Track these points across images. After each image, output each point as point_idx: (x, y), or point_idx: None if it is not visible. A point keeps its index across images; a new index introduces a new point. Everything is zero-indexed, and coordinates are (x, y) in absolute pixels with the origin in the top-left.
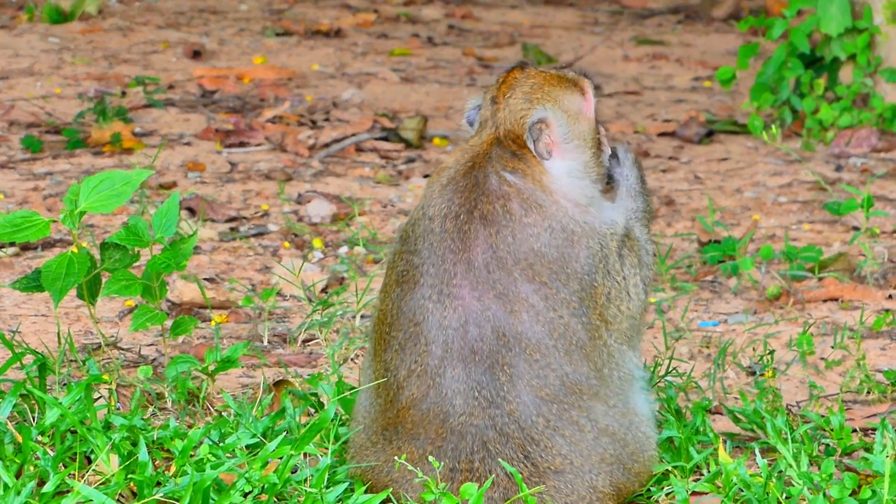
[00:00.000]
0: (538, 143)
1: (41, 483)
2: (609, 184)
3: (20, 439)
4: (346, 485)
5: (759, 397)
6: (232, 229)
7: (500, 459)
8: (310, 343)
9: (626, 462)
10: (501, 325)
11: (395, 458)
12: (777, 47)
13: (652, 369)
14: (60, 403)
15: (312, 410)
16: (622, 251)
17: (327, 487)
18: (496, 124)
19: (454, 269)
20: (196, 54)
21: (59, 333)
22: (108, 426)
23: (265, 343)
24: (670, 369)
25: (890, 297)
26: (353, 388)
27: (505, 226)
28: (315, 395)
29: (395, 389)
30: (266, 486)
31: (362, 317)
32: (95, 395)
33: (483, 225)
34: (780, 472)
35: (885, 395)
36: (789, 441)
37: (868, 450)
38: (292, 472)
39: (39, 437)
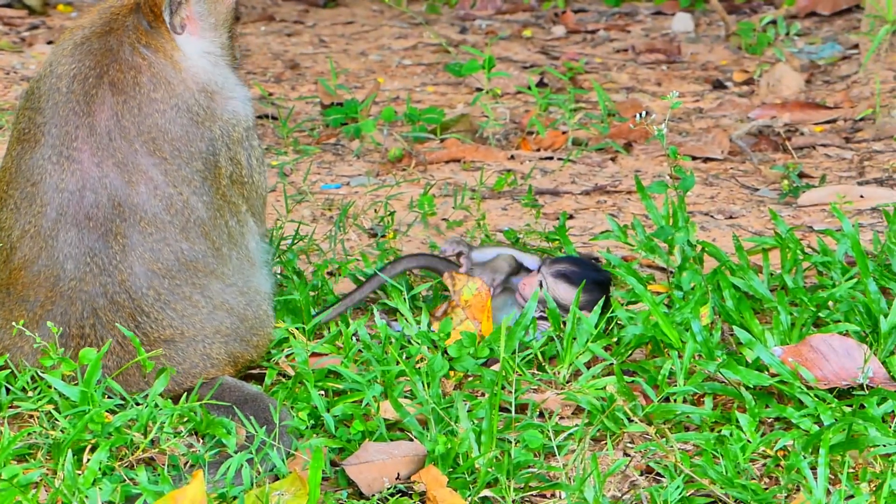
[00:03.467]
0: (174, 17)
1: None
2: None
3: None
4: None
5: (381, 259)
6: None
7: (117, 323)
8: None
9: (245, 335)
10: (118, 195)
11: (14, 323)
12: None
13: (273, 231)
14: None
15: None
16: (249, 140)
17: None
18: None
19: (76, 132)
20: None
21: None
22: None
23: None
24: (295, 233)
25: (511, 157)
26: None
27: (133, 97)
28: None
29: (8, 250)
30: None
31: None
32: None
33: (112, 92)
34: (401, 331)
35: None
36: (407, 301)
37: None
38: None
39: None
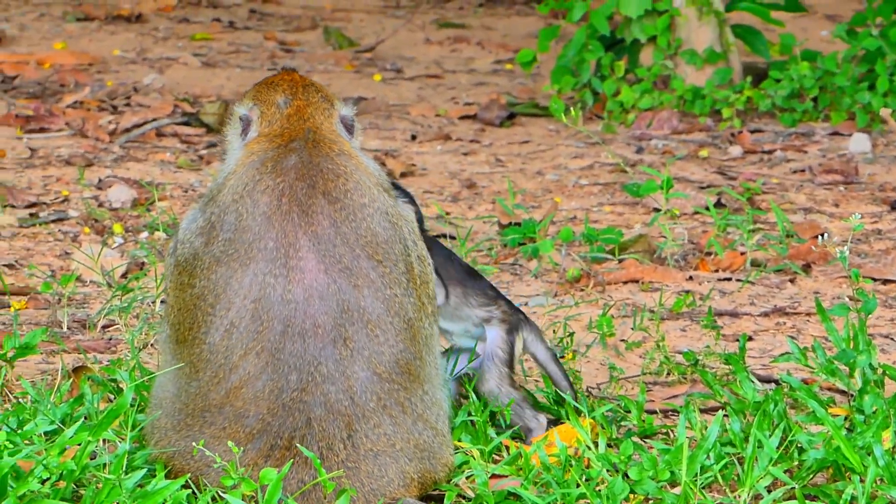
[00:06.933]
0: (355, 132)
1: None
2: None
3: None
4: (144, 471)
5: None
6: (32, 215)
7: (297, 444)
8: (109, 328)
9: (437, 451)
10: (347, 299)
11: (194, 443)
12: (577, 30)
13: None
14: None
15: (112, 396)
16: (421, 238)
17: (126, 473)
18: (305, 118)
19: (298, 242)
20: None
21: None
22: None
23: (64, 329)
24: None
25: (690, 278)
26: (152, 373)
27: (346, 204)
28: (114, 381)
29: (226, 371)
30: (64, 473)
31: (162, 302)
32: None
33: (327, 201)
34: (579, 453)
35: (685, 376)
36: (587, 423)
37: (667, 432)
38: (91, 459)
39: None
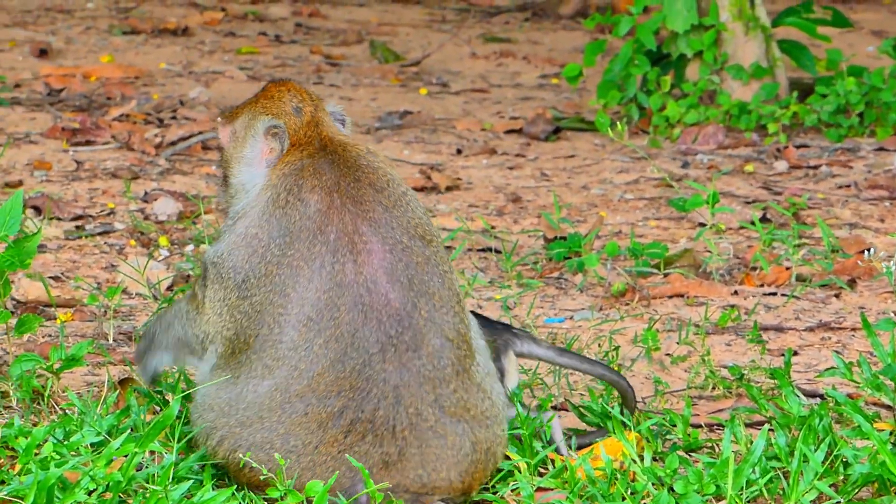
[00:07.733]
0: (347, 125)
1: None
2: None
3: None
4: (191, 482)
5: (606, 393)
6: (78, 227)
7: (348, 454)
8: None
9: (493, 420)
10: (413, 274)
11: (241, 455)
12: (624, 44)
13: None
14: None
15: (157, 408)
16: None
17: (173, 484)
18: (320, 123)
19: (360, 228)
20: (43, 53)
21: None
22: None
23: (110, 341)
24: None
25: (735, 292)
26: (197, 385)
27: (391, 192)
28: (160, 392)
29: (307, 362)
30: (111, 484)
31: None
32: None
33: (374, 190)
34: (624, 467)
35: (730, 390)
36: (633, 436)
37: (713, 446)
38: (137, 470)
39: None
